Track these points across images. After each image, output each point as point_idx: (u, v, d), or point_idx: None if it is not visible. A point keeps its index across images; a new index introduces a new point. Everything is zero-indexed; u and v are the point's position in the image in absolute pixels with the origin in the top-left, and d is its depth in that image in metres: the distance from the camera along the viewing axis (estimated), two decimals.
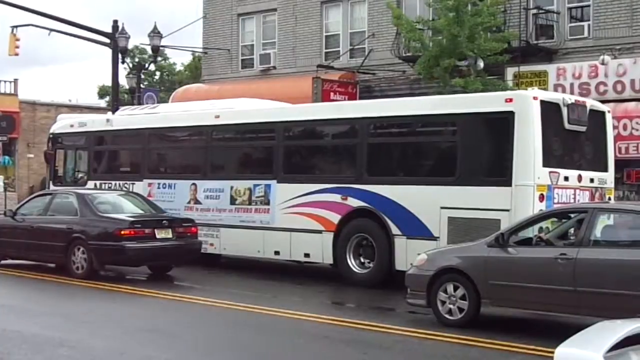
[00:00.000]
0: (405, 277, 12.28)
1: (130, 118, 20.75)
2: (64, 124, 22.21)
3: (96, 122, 21.43)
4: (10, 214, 18.04)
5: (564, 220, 11.93)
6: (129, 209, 17.03)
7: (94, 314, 12.50)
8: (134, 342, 10.48)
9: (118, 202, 17.33)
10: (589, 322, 10.00)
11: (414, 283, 11.92)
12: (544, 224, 12.18)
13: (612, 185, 15.65)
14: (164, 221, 16.47)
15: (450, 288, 11.44)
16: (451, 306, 11.42)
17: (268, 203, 17.17)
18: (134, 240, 15.72)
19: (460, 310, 11.36)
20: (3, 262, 18.03)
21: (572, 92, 22.26)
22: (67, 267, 16.32)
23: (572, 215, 11.63)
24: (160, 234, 16.14)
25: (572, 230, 11.45)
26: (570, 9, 24.50)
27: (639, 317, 8.78)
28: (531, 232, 11.75)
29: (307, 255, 16.70)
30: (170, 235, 16.27)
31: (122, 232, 15.67)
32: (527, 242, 11.40)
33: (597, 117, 15.36)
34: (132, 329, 11.30)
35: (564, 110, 14.42)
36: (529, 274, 10.92)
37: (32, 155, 46.04)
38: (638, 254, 10.32)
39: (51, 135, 22.15)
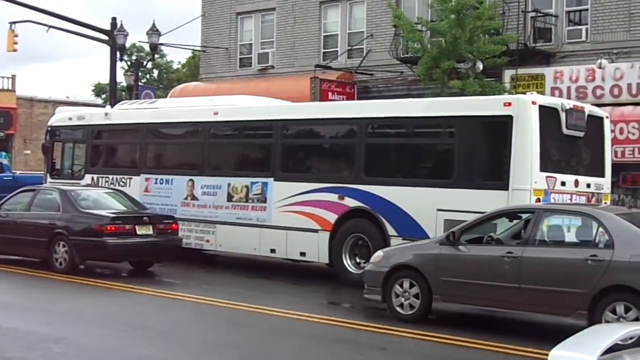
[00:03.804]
0: (363, 274, 12.64)
1: (128, 112, 20.69)
2: (62, 116, 22.16)
3: (95, 116, 21.39)
4: None
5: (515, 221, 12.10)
6: (110, 206, 17.14)
7: (89, 311, 12.50)
8: (129, 340, 10.48)
9: (100, 199, 17.46)
10: (550, 319, 10.19)
11: (370, 279, 12.37)
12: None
13: (609, 190, 15.70)
14: (145, 218, 16.57)
15: (404, 284, 11.81)
16: (404, 301, 11.79)
17: (265, 201, 17.17)
18: (114, 236, 15.83)
19: (413, 305, 11.72)
20: None
21: (569, 96, 22.31)
22: (48, 261, 16.39)
23: (523, 216, 11.86)
24: (140, 230, 16.23)
25: (523, 231, 11.65)
26: (568, 12, 24.53)
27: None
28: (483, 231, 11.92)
29: (302, 254, 16.68)
30: (150, 232, 16.36)
31: (103, 228, 15.78)
32: (478, 241, 11.66)
33: (596, 123, 15.39)
34: (126, 327, 11.29)
35: (563, 115, 14.44)
36: (478, 271, 11.24)
37: (29, 152, 46.01)
38: (578, 253, 10.61)
39: (49, 128, 22.06)
